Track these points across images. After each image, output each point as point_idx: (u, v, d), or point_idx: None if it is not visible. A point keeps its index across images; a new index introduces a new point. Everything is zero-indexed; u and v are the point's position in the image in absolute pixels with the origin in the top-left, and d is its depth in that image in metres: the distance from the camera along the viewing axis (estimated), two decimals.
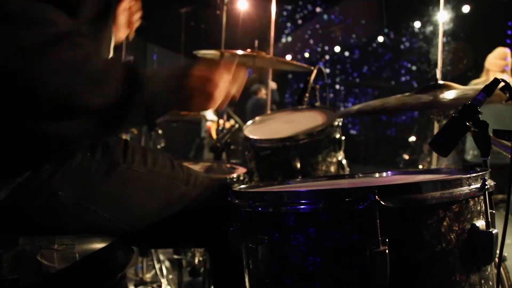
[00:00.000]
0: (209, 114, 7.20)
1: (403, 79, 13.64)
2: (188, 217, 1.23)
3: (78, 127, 0.96)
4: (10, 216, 1.02)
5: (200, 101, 1.08)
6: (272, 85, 6.16)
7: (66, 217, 1.07)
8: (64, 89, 0.89)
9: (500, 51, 4.36)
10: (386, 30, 13.04)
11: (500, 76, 4.35)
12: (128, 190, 1.14)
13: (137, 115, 1.00)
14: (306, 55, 13.68)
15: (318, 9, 13.59)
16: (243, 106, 7.40)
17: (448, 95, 1.39)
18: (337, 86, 13.65)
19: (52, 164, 1.03)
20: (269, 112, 3.29)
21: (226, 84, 1.10)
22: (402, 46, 13.41)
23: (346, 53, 13.85)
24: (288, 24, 13.30)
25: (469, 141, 3.78)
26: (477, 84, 4.32)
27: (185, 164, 1.93)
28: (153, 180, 1.18)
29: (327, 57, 13.72)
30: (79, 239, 1.07)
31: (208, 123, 6.93)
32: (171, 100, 1.06)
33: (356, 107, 1.64)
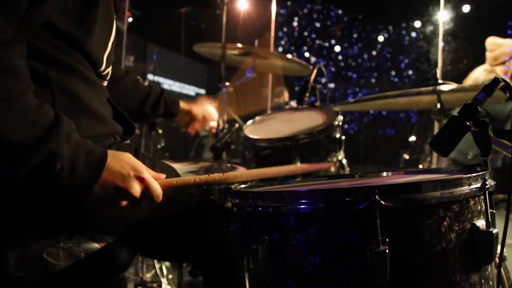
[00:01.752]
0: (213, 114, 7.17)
1: (402, 78, 13.63)
2: (188, 232, 1.25)
3: None
4: (16, 215, 1.02)
5: (102, 200, 0.97)
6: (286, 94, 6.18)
7: (73, 217, 1.07)
8: None
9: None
10: (386, 30, 13.04)
11: (485, 68, 4.10)
12: None
13: (44, 170, 0.88)
14: (306, 54, 13.67)
15: (316, 8, 13.60)
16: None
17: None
18: (335, 86, 13.65)
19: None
20: (269, 112, 3.29)
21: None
22: (401, 46, 13.40)
23: (346, 53, 13.85)
24: (287, 23, 13.29)
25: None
26: (470, 76, 3.93)
27: (185, 164, 1.93)
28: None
29: (326, 56, 13.72)
30: (84, 237, 1.08)
31: (213, 123, 6.90)
32: (82, 178, 0.92)
33: (354, 99, 1.67)
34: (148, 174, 1.01)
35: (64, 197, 0.99)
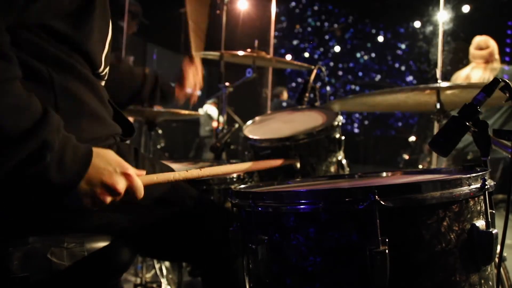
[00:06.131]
0: (214, 113, 7.20)
1: (402, 78, 13.64)
2: (187, 233, 1.25)
3: None
4: (20, 215, 1.02)
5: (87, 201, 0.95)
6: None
7: (77, 217, 1.08)
8: None
9: (475, 41, 4.23)
10: (386, 30, 13.05)
11: (479, 66, 4.24)
12: None
13: (29, 162, 0.85)
14: (306, 54, 13.67)
15: (316, 8, 13.59)
16: (243, 105, 7.39)
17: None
18: (336, 86, 13.66)
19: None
20: (269, 112, 3.29)
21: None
22: (401, 46, 13.41)
23: (346, 53, 13.85)
24: (286, 24, 13.28)
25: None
26: (458, 76, 4.17)
27: (185, 164, 1.93)
28: (160, 189, 1.19)
29: (326, 56, 13.72)
30: (87, 237, 1.09)
31: (214, 124, 6.93)
32: (68, 173, 0.90)
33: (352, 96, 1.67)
34: (132, 170, 1.00)
35: (46, 197, 0.96)
